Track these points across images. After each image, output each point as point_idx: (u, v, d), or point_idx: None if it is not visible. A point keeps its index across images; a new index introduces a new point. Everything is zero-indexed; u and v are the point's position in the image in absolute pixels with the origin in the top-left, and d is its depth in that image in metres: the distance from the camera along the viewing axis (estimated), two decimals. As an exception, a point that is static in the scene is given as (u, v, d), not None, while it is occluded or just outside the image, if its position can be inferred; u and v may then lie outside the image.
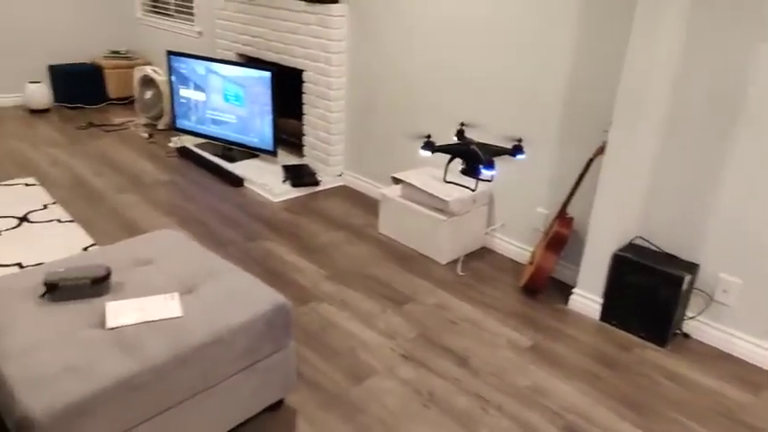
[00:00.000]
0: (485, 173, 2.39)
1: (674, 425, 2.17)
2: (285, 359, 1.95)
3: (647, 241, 2.80)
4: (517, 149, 2.50)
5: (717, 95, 2.45)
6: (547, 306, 2.93)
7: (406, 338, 2.54)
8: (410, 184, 3.40)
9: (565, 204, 2.97)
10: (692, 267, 2.64)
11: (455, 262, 3.30)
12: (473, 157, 2.31)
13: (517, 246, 3.37)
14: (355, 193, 4.18)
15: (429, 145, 2.69)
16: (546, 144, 3.12)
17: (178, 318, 1.74)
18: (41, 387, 1.45)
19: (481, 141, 2.65)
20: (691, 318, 2.73)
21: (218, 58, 4.82)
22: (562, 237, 2.96)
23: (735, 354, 2.61)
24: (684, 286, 2.57)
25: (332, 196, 4.10)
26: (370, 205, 3.93)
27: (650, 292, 2.64)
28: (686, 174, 2.61)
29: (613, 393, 2.32)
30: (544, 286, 3.00)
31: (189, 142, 4.82)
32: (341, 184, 4.33)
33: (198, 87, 4.51)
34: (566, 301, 2.96)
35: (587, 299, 2.87)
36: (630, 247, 2.78)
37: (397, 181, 3.55)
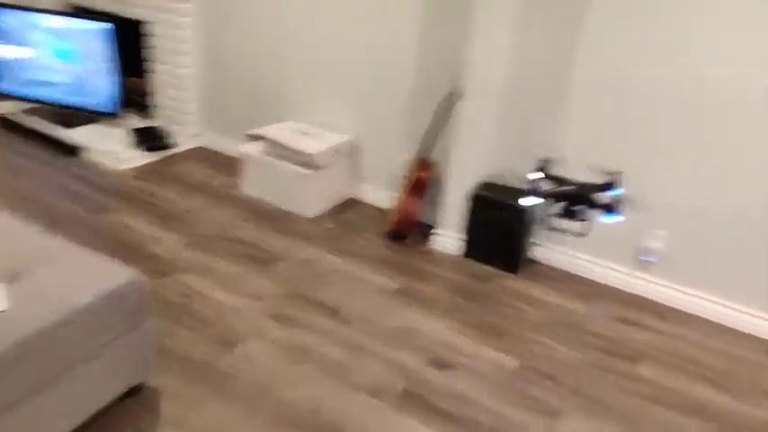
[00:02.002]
0: (607, 220, 1.93)
1: (530, 342, 2.39)
2: (141, 339, 1.85)
3: (498, 178, 2.97)
4: (611, 185, 1.96)
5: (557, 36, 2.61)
6: (413, 249, 3.04)
7: (275, 298, 2.52)
8: (272, 140, 3.31)
9: (426, 150, 3.05)
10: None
11: (323, 215, 3.30)
12: (585, 201, 1.92)
13: (384, 193, 3.44)
14: (215, 154, 4.00)
15: (536, 193, 2.10)
16: (404, 92, 3.16)
17: (1, 312, 1.57)
18: None
19: (575, 180, 2.04)
20: (537, 244, 2.97)
21: (44, 8, 4.28)
22: (423, 181, 3.05)
23: (576, 272, 2.90)
24: (529, 216, 2.78)
25: (189, 159, 3.89)
26: (231, 165, 3.78)
27: (502, 224, 2.83)
28: (531, 118, 2.78)
29: (475, 322, 2.48)
30: (410, 230, 3.10)
31: (11, 108, 4.28)
32: (198, 145, 4.11)
33: (19, 43, 3.98)
34: (433, 242, 3.08)
35: (449, 237, 3.02)
36: (485, 185, 2.93)
37: (256, 138, 3.44)
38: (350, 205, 3.46)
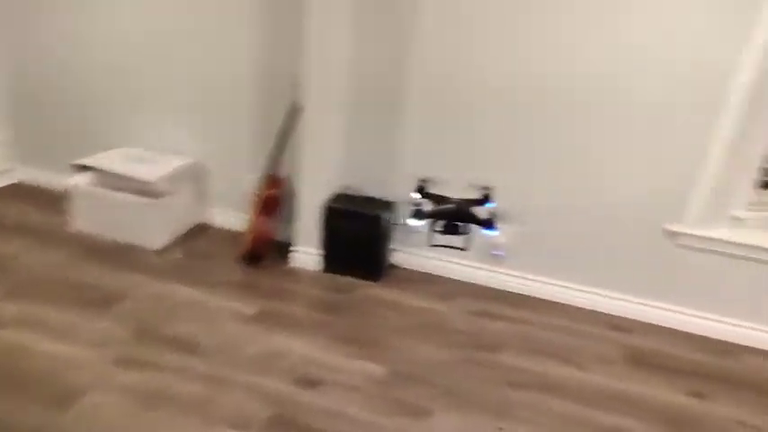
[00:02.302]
0: (489, 233, 1.97)
1: (397, 348, 2.40)
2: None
3: (351, 189, 2.97)
4: (486, 199, 2.05)
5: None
6: (271, 270, 2.93)
7: (119, 342, 2.28)
8: (103, 169, 3.01)
9: (273, 166, 2.97)
10: (391, 205, 2.90)
11: (169, 246, 3.07)
12: (466, 218, 1.90)
13: (235, 216, 3.29)
14: (35, 190, 3.56)
15: (420, 214, 2.07)
16: (245, 108, 3.05)
17: None
18: None
19: (452, 197, 2.04)
20: (396, 249, 3.02)
21: None
22: (274, 198, 2.96)
23: (435, 272, 2.99)
24: (385, 223, 2.82)
25: (1, 198, 3.42)
26: (56, 201, 3.38)
27: (358, 234, 2.83)
28: (376, 127, 2.82)
29: (341, 335, 2.44)
30: (265, 251, 2.99)
31: None
32: (12, 182, 3.63)
33: None
34: (290, 260, 3.00)
35: (307, 253, 2.96)
36: (338, 196, 2.92)
37: (83, 168, 3.11)
38: (199, 232, 3.26)
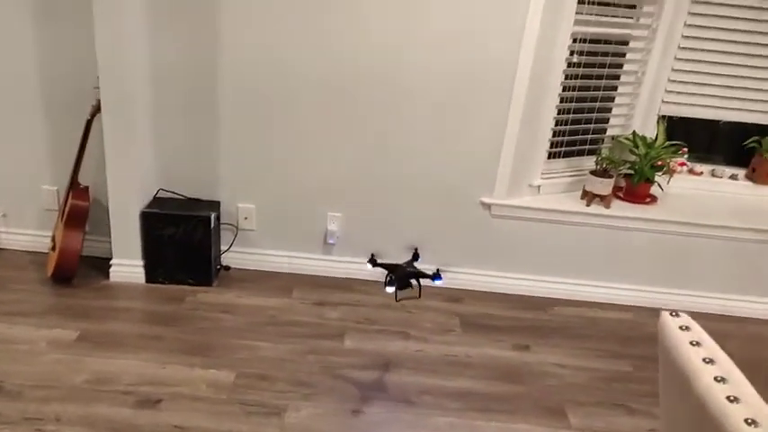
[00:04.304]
0: (437, 283, 2.11)
1: (238, 350, 2.31)
2: None
3: (170, 191, 2.78)
4: (437, 276, 2.08)
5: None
6: (86, 289, 2.63)
7: None
8: None
9: (74, 174, 2.66)
10: (215, 205, 2.77)
11: (-50, 277, 2.60)
12: (415, 275, 2.09)
13: (32, 234, 2.89)
14: None
15: (391, 282, 2.11)
16: (34, 115, 2.68)
17: None
18: None
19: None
20: (226, 251, 2.91)
21: None
22: (80, 209, 2.66)
23: (268, 269, 2.94)
24: (212, 224, 2.69)
25: None
26: None
27: (184, 238, 2.67)
28: (189, 123, 2.66)
29: (178, 347, 2.29)
30: (75, 269, 2.68)
31: None
32: None
33: None
34: (107, 275, 2.72)
35: (128, 266, 2.71)
36: (155, 201, 2.72)
37: None
38: (-10, 257, 2.82)
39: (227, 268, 2.92)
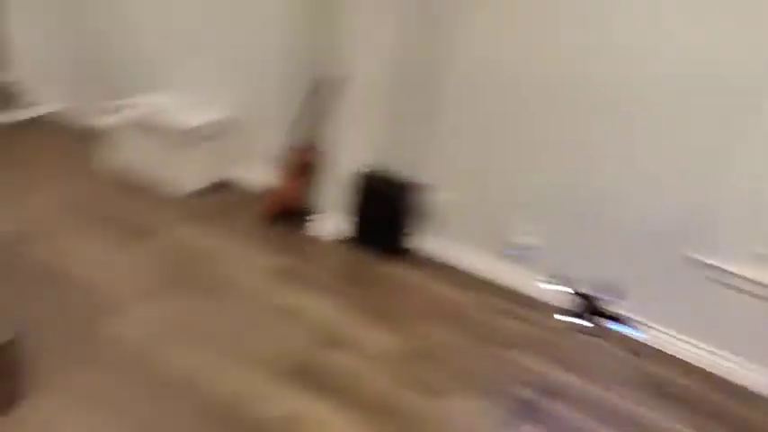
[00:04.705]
0: (614, 327, 2.06)
1: (414, 326, 2.42)
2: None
3: (386, 166, 3.00)
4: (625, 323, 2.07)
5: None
6: (292, 233, 2.96)
7: (149, 274, 2.31)
8: (142, 112, 3.04)
9: (310, 133, 2.99)
10: (421, 188, 2.92)
11: (195, 194, 3.09)
12: (600, 314, 2.02)
13: (264, 174, 3.31)
14: (73, 125, 3.58)
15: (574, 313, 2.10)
16: (287, 72, 3.08)
17: None
18: None
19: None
20: (419, 233, 3.04)
21: None
22: (306, 164, 2.99)
23: (453, 262, 3.00)
24: (413, 204, 2.84)
25: (43, 126, 3.44)
26: (92, 138, 3.40)
27: (386, 211, 2.86)
28: (416, 109, 2.85)
29: (357, 305, 2.47)
30: (289, 214, 3.01)
31: None
32: (56, 110, 3.65)
33: None
34: (312, 226, 3.03)
35: (332, 222, 2.98)
36: (370, 172, 2.95)
37: (123, 108, 3.13)
38: (226, 185, 3.29)
39: (416, 250, 3.05)
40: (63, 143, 3.27)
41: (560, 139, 2.68)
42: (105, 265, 2.29)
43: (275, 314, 2.26)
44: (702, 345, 2.68)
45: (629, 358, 2.60)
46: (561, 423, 2.08)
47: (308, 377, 1.98)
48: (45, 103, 3.62)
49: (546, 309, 2.81)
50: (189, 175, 3.06)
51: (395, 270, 2.83)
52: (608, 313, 1.97)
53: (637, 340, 2.62)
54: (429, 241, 3.05)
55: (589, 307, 1.99)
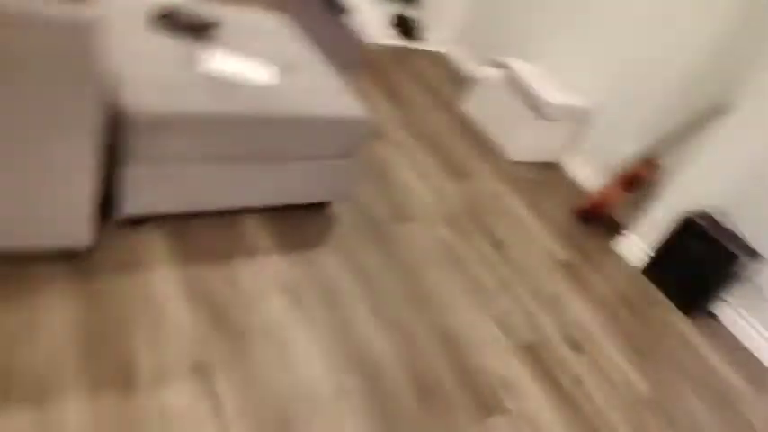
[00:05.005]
0: None
1: (673, 383, 2.22)
2: (349, 168, 2.03)
3: (722, 215, 2.70)
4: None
5: None
6: (596, 237, 2.91)
7: (453, 205, 2.59)
8: (515, 73, 3.28)
9: (657, 149, 2.85)
10: (753, 254, 2.56)
11: (525, 164, 3.26)
12: None
13: (590, 173, 3.29)
14: (453, 65, 4.06)
15: None
16: (663, 85, 2.94)
17: (271, 86, 1.78)
18: (140, 94, 1.53)
19: None
20: (726, 301, 2.69)
21: None
22: (641, 178, 2.87)
23: (760, 356, 2.59)
24: (736, 269, 2.51)
25: (428, 58, 4.00)
26: (462, 81, 3.83)
27: (700, 262, 2.59)
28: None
29: (624, 332, 2.36)
30: (600, 219, 2.97)
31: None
32: (442, 50, 4.20)
33: None
34: (615, 240, 2.93)
35: (636, 246, 2.84)
36: (701, 214, 2.69)
37: (499, 65, 3.43)
38: (553, 168, 3.37)
39: (713, 317, 2.72)
40: (440, 77, 3.75)
41: None
42: (422, 181, 2.64)
43: (539, 295, 2.33)
44: None
45: None
46: None
47: (539, 361, 2.02)
48: (437, 40, 4.17)
49: None
50: (527, 144, 3.23)
51: (678, 320, 2.59)
52: None
53: None
54: (734, 313, 2.68)
55: None
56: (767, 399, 2.37)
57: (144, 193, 1.65)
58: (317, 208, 2.20)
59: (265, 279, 1.84)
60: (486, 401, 1.80)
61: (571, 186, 3.28)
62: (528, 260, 2.49)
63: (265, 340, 1.65)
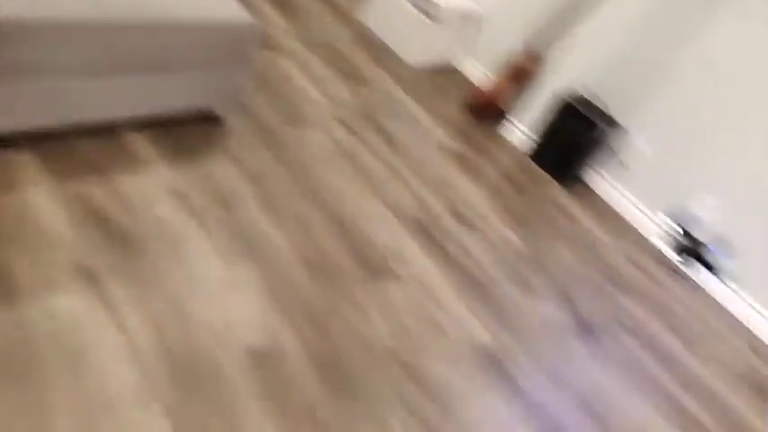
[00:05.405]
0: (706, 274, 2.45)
1: (546, 240, 2.55)
2: (236, 77, 2.13)
3: (592, 95, 2.98)
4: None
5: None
6: (484, 127, 3.16)
7: (347, 108, 2.76)
8: (403, -22, 3.39)
9: (540, 41, 3.07)
10: (617, 128, 2.87)
11: (419, 67, 3.43)
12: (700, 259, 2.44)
13: (483, 71, 3.51)
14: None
15: (682, 250, 2.53)
16: (542, -24, 3.13)
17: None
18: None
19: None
20: (595, 170, 3.03)
21: None
22: (525, 70, 3.10)
23: (619, 210, 2.97)
24: (601, 138, 2.83)
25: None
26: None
27: (574, 138, 2.89)
28: (648, 58, 2.73)
29: (508, 206, 2.66)
30: (490, 112, 3.21)
31: None
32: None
33: None
34: (506, 129, 3.20)
35: (521, 133, 3.12)
36: (576, 95, 2.97)
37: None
38: (450, 71, 3.57)
39: (586, 185, 3.06)
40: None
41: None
42: (317, 88, 2.78)
43: (429, 179, 2.57)
44: None
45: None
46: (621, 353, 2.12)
47: (427, 234, 2.29)
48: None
49: (686, 287, 2.69)
50: (422, 49, 3.39)
51: (556, 191, 2.92)
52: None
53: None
54: (602, 180, 3.03)
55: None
56: (622, 244, 2.76)
57: (13, 107, 1.62)
58: (208, 120, 2.30)
59: (152, 187, 1.90)
60: (378, 269, 2.05)
61: (466, 87, 3.49)
62: (420, 152, 2.72)
63: (157, 243, 1.75)
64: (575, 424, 1.84)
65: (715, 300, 2.71)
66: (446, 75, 3.51)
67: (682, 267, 2.09)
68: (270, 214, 2.06)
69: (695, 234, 2.09)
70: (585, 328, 2.22)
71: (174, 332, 1.55)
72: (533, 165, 3.04)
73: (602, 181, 3.02)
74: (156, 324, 1.54)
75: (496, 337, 2.01)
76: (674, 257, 2.07)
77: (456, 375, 1.82)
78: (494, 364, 1.91)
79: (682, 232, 2.08)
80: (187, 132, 2.19)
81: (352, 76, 3.02)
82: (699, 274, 2.22)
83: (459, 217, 2.45)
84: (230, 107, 2.26)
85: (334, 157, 2.43)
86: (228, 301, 1.72)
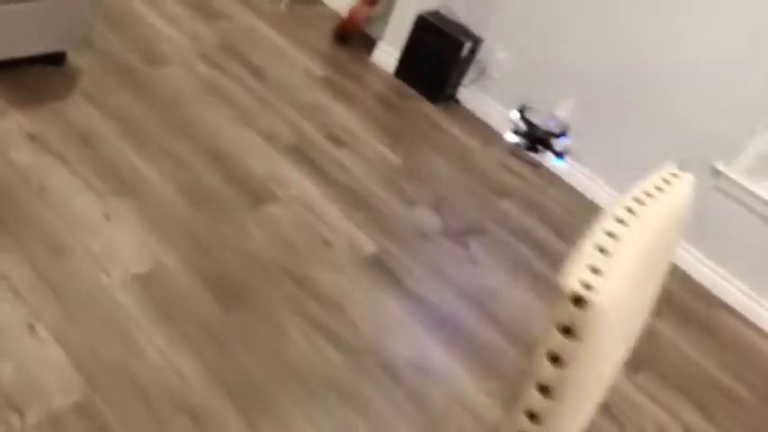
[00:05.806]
0: (556, 163, 2.73)
1: (411, 152, 2.69)
2: (74, 10, 2.01)
3: (449, 11, 3.11)
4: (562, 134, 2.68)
5: None
6: (352, 54, 3.21)
7: (208, 44, 2.70)
8: None
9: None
10: (476, 40, 3.03)
11: (283, 1, 3.39)
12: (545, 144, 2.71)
13: (347, 2, 3.52)
14: None
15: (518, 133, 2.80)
16: None
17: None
18: None
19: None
20: (463, 84, 3.20)
21: None
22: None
23: (489, 121, 3.17)
24: (464, 54, 2.98)
25: None
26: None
27: (437, 54, 3.02)
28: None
29: (382, 125, 2.76)
30: (353, 36, 3.25)
31: None
32: None
33: None
34: (370, 53, 3.26)
35: (388, 54, 3.20)
36: (433, 13, 3.08)
37: None
38: (315, 2, 3.55)
39: (456, 101, 3.23)
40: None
41: (619, 27, 2.66)
42: (173, 26, 2.69)
43: (300, 107, 2.60)
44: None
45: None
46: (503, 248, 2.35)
47: (304, 158, 2.34)
48: None
49: (557, 182, 2.95)
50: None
51: (427, 108, 3.05)
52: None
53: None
54: (470, 93, 3.21)
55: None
56: (493, 150, 2.97)
57: None
58: (54, 61, 2.15)
59: (5, 134, 1.84)
60: (259, 195, 2.09)
61: (331, 17, 3.49)
62: (288, 81, 2.73)
63: (22, 188, 1.71)
64: (460, 314, 2.03)
65: (570, 184, 3.01)
66: (308, 6, 3.49)
67: (536, 158, 2.35)
68: (139, 151, 2.03)
69: (537, 123, 2.36)
70: (463, 230, 2.41)
71: (55, 269, 1.53)
72: (405, 86, 3.15)
73: (470, 94, 3.19)
74: (31, 262, 1.52)
75: (380, 244, 2.14)
76: (528, 150, 2.33)
77: (344, 280, 1.93)
78: (380, 269, 2.04)
79: (526, 125, 2.33)
80: (37, 77, 2.08)
81: (209, 13, 2.93)
82: (549, 160, 2.52)
83: (334, 139, 2.52)
84: (78, 47, 2.14)
85: (199, 92, 2.39)
86: (107, 233, 1.71)
